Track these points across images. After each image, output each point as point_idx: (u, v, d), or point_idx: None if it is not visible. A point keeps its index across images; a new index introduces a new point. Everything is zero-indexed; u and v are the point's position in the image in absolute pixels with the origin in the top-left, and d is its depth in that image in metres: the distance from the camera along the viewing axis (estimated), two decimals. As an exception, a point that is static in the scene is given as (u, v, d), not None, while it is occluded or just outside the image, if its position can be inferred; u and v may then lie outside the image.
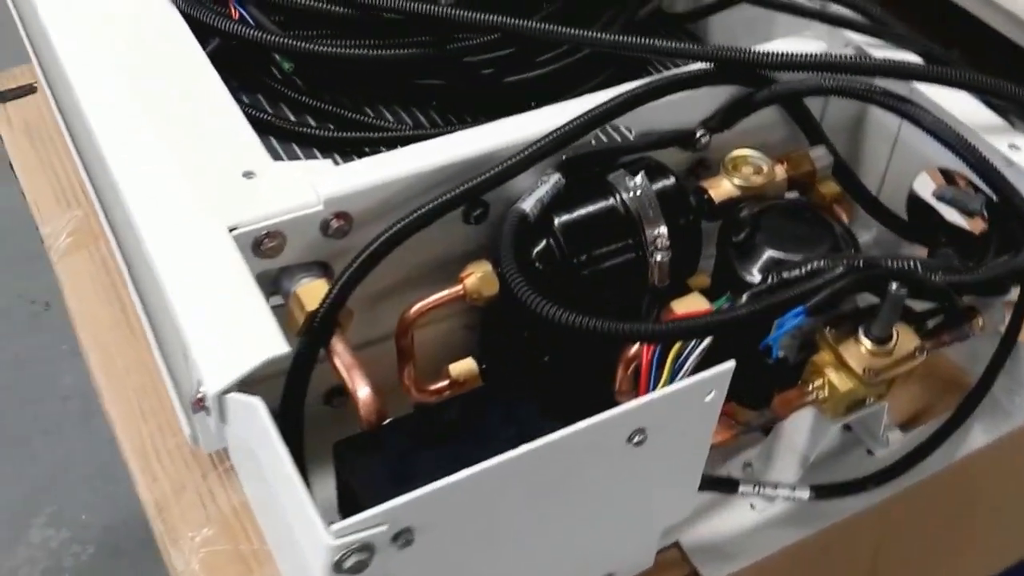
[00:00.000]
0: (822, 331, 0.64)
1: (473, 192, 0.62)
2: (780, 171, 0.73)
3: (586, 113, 0.65)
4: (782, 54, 0.69)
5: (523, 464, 0.50)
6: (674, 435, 0.55)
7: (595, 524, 0.58)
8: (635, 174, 0.66)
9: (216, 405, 0.52)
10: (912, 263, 0.62)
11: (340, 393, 0.70)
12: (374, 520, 0.46)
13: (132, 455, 0.80)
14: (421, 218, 0.61)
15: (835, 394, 0.63)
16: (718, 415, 0.56)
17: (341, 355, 0.60)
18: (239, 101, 0.77)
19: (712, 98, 0.73)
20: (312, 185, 0.62)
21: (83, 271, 0.89)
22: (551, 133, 0.64)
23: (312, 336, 0.59)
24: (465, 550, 0.52)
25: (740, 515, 0.69)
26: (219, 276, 0.57)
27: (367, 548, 0.46)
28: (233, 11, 0.77)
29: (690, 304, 0.65)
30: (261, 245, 0.61)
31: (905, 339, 0.63)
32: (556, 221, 0.64)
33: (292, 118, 0.77)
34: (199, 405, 0.52)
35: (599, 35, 0.70)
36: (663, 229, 0.65)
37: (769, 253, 0.65)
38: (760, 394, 0.60)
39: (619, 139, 0.70)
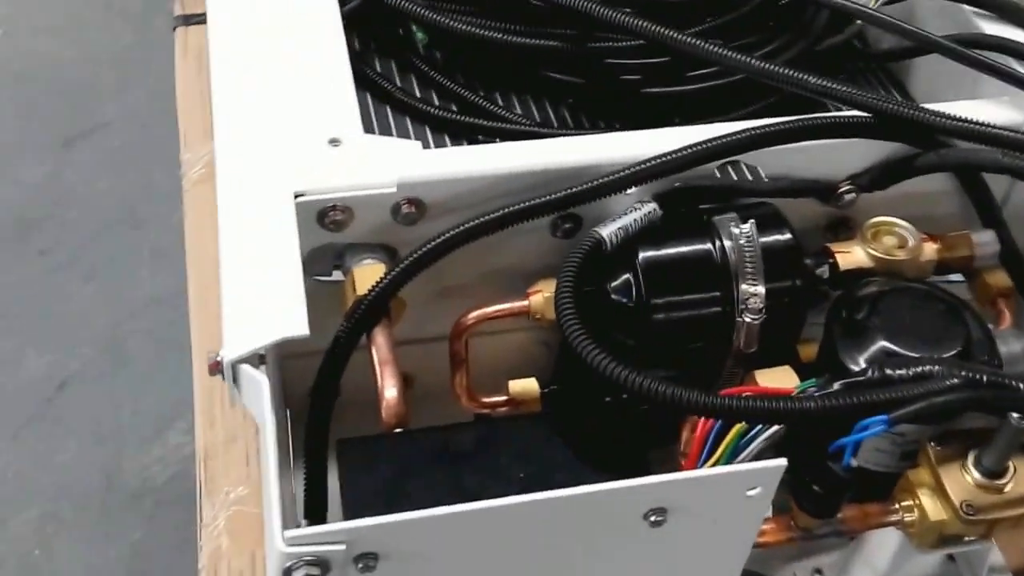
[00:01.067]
0: (926, 444, 0.54)
1: (552, 206, 0.57)
2: (929, 249, 0.63)
3: (706, 142, 0.58)
4: (952, 117, 0.59)
5: (515, 515, 0.44)
6: (704, 524, 0.48)
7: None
8: (745, 221, 0.58)
9: (230, 372, 0.50)
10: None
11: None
12: (332, 537, 0.42)
13: (200, 395, 0.80)
14: (494, 221, 0.56)
15: (924, 522, 0.53)
16: (765, 515, 0.49)
17: (379, 348, 0.56)
18: (369, 65, 0.75)
19: (869, 152, 0.64)
20: (391, 166, 0.58)
21: (207, 204, 0.90)
22: (658, 157, 0.57)
23: (354, 322, 0.56)
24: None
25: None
26: (269, 243, 0.54)
27: (321, 564, 0.43)
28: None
29: (776, 378, 0.57)
30: (326, 217, 0.58)
31: (1022, 479, 0.53)
32: (640, 255, 0.57)
33: (417, 93, 0.74)
34: (215, 368, 0.50)
35: (742, 58, 0.62)
36: (760, 289, 0.57)
37: (881, 343, 0.56)
38: (823, 503, 0.51)
39: (747, 177, 0.63)
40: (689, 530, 0.48)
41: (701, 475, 0.46)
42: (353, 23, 0.71)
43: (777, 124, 0.60)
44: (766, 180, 0.62)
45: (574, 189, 0.57)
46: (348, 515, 0.46)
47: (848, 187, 0.64)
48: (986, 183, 0.65)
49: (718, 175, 0.61)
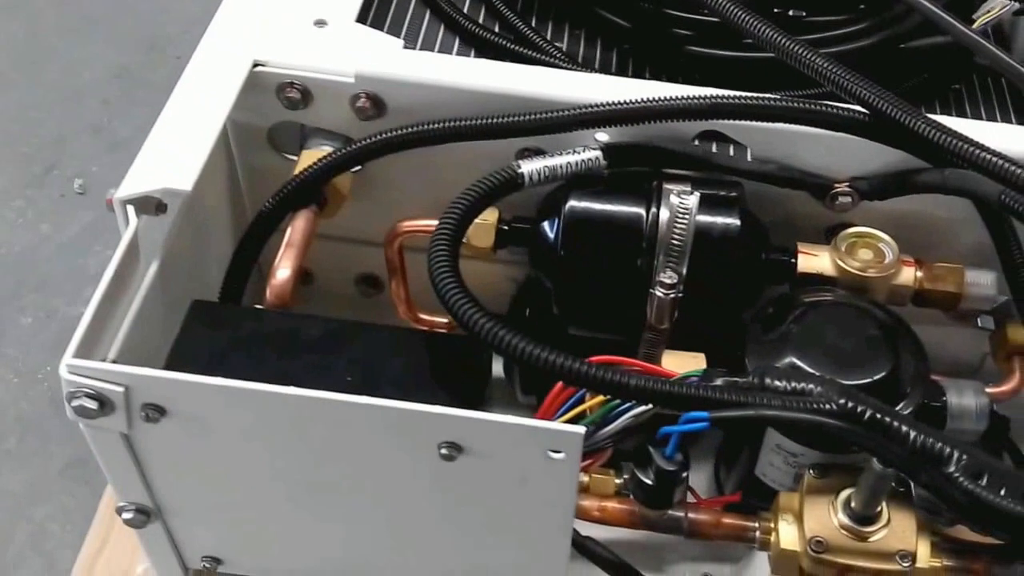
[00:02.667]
0: (805, 470, 0.50)
1: (487, 131, 0.55)
2: (907, 275, 0.57)
3: (661, 99, 0.54)
4: (954, 135, 0.52)
5: (298, 407, 0.44)
6: (504, 474, 0.46)
7: (409, 525, 0.51)
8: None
9: (120, 209, 0.52)
10: (952, 451, 0.45)
11: (369, 282, 0.68)
12: (110, 376, 0.44)
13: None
14: (430, 134, 0.55)
15: (775, 547, 0.49)
16: (574, 479, 0.46)
17: (293, 229, 0.57)
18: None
19: (875, 156, 0.57)
20: (362, 57, 0.58)
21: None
22: (609, 104, 0.54)
23: (279, 199, 0.57)
24: (223, 465, 0.49)
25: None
26: (205, 102, 0.56)
27: (101, 400, 0.44)
28: None
29: (683, 362, 0.54)
30: (283, 92, 0.58)
31: (896, 534, 0.47)
32: (568, 203, 0.55)
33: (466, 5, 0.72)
34: (109, 203, 0.53)
35: (759, 26, 0.56)
36: (680, 266, 0.53)
37: (787, 353, 0.51)
38: (650, 492, 0.48)
39: (726, 153, 0.58)
40: (487, 476, 0.46)
41: (494, 419, 0.44)
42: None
43: (753, 98, 0.55)
44: (749, 160, 0.58)
45: (516, 118, 0.55)
46: (166, 366, 0.47)
47: (845, 189, 0.58)
48: (1008, 219, 0.57)
49: (696, 143, 0.57)
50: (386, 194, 0.63)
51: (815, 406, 0.45)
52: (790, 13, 0.68)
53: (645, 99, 0.54)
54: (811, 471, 0.49)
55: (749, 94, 0.55)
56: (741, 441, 0.56)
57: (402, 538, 0.52)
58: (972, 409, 0.53)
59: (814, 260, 0.57)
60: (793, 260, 0.57)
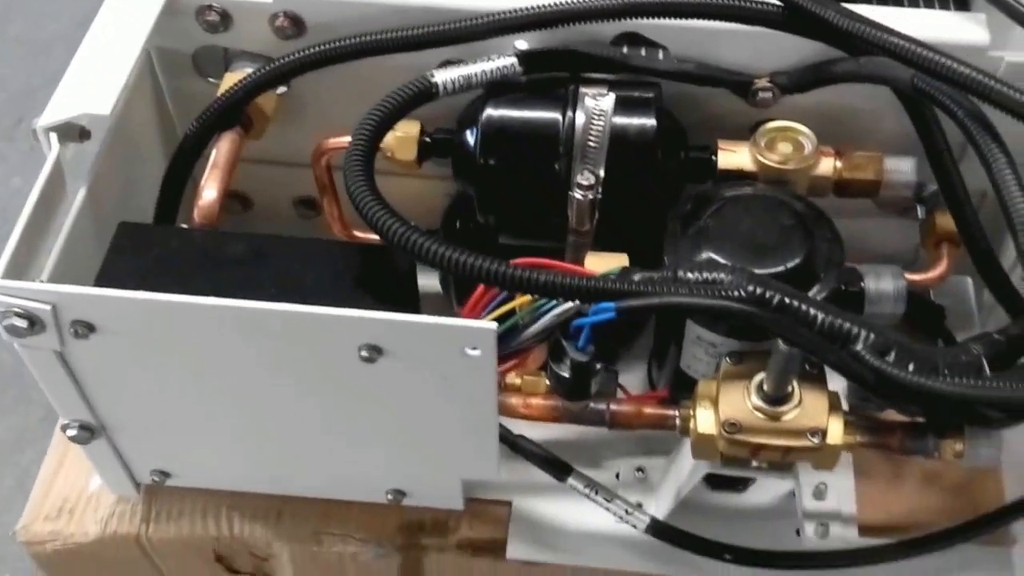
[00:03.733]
0: (726, 357, 0.51)
1: (403, 43, 0.55)
2: (826, 165, 0.58)
3: (571, 3, 0.55)
4: (866, 22, 0.53)
5: (223, 317, 0.46)
6: (425, 374, 0.48)
7: (343, 430, 0.53)
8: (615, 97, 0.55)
9: (44, 137, 0.53)
10: (860, 330, 0.47)
11: (307, 204, 0.69)
12: (38, 295, 0.45)
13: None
14: (349, 48, 0.56)
15: (694, 432, 0.51)
16: (492, 376, 0.48)
17: (217, 151, 0.58)
18: None
19: (793, 49, 0.58)
20: (278, -23, 0.59)
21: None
22: (528, 8, 0.55)
23: (201, 122, 0.58)
24: (156, 380, 0.50)
25: (588, 514, 0.59)
26: (123, 31, 0.56)
27: (31, 319, 0.46)
28: None
29: (606, 262, 0.54)
30: (202, 15, 0.59)
31: (808, 413, 0.49)
32: (485, 112, 0.55)
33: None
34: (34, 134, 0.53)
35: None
36: (596, 168, 0.54)
37: (703, 246, 0.52)
38: (565, 383, 0.49)
39: (639, 53, 0.58)
40: (409, 376, 0.48)
41: (407, 319, 0.45)
42: None
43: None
44: (666, 60, 0.58)
45: (430, 29, 0.55)
46: (95, 285, 0.48)
47: (765, 84, 0.59)
48: (928, 106, 0.58)
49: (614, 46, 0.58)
50: (315, 114, 0.64)
51: (724, 294, 0.47)
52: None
53: (559, 2, 0.55)
54: (728, 359, 0.51)
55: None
56: (666, 337, 0.58)
57: (336, 443, 0.54)
58: (890, 293, 0.54)
59: (734, 156, 0.58)
60: (713, 157, 0.58)
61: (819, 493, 0.60)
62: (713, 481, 0.60)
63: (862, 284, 0.55)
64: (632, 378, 0.64)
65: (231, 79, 0.59)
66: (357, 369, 0.47)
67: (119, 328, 0.47)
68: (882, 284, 0.55)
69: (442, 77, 0.54)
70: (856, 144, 0.60)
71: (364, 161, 0.49)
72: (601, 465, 0.62)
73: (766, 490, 0.62)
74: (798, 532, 0.58)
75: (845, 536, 0.58)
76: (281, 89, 0.62)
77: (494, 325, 0.45)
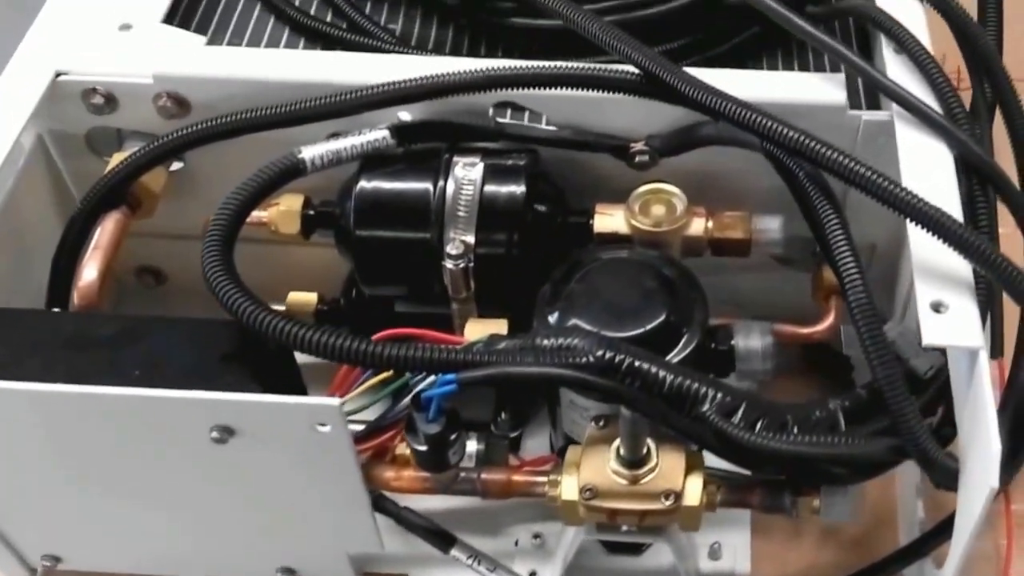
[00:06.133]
0: (592, 422, 0.52)
1: (279, 120, 0.56)
2: (697, 225, 0.58)
3: (447, 75, 0.56)
4: (708, 89, 0.54)
5: (80, 404, 0.47)
6: (282, 451, 0.48)
7: (217, 510, 0.53)
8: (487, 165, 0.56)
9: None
10: (708, 390, 0.47)
11: (148, 272, 0.70)
12: None
13: None
14: (222, 128, 0.57)
15: (557, 500, 0.51)
16: (348, 450, 0.48)
17: (101, 232, 0.59)
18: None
19: (667, 114, 0.59)
20: (164, 57, 0.60)
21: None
22: (394, 83, 0.56)
23: (84, 203, 0.59)
24: (29, 464, 0.51)
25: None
26: (7, 115, 0.58)
27: None
28: None
29: (484, 328, 0.55)
30: (89, 99, 0.60)
31: (664, 475, 0.49)
32: (358, 184, 0.56)
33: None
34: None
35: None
36: (467, 236, 0.55)
37: (568, 312, 0.53)
38: (421, 456, 0.50)
39: (519, 121, 0.60)
40: (266, 454, 0.48)
41: (250, 399, 0.46)
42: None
43: (529, 67, 0.56)
44: (543, 128, 0.59)
45: (302, 105, 0.56)
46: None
47: (641, 147, 0.59)
48: (788, 165, 0.58)
49: (491, 113, 0.59)
50: (213, 187, 0.64)
51: (574, 360, 0.47)
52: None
53: (424, 77, 0.56)
54: (593, 423, 0.51)
55: (528, 63, 0.57)
56: (551, 402, 0.58)
57: (213, 522, 0.54)
58: (758, 350, 0.55)
59: (610, 220, 0.59)
60: (591, 221, 0.59)
61: (714, 553, 0.61)
62: (609, 545, 0.61)
63: (731, 342, 0.55)
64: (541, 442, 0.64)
65: (118, 158, 0.60)
66: (212, 450, 0.47)
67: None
68: (751, 341, 0.55)
69: (310, 153, 0.55)
70: (738, 202, 0.61)
71: (221, 242, 0.50)
72: (501, 532, 0.62)
73: (664, 553, 0.62)
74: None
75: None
76: (177, 165, 0.63)
77: (338, 401, 0.46)
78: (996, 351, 0.55)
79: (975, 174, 0.54)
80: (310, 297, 0.64)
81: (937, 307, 0.48)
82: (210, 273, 0.49)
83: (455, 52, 0.69)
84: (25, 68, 0.60)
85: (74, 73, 0.60)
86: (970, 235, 0.47)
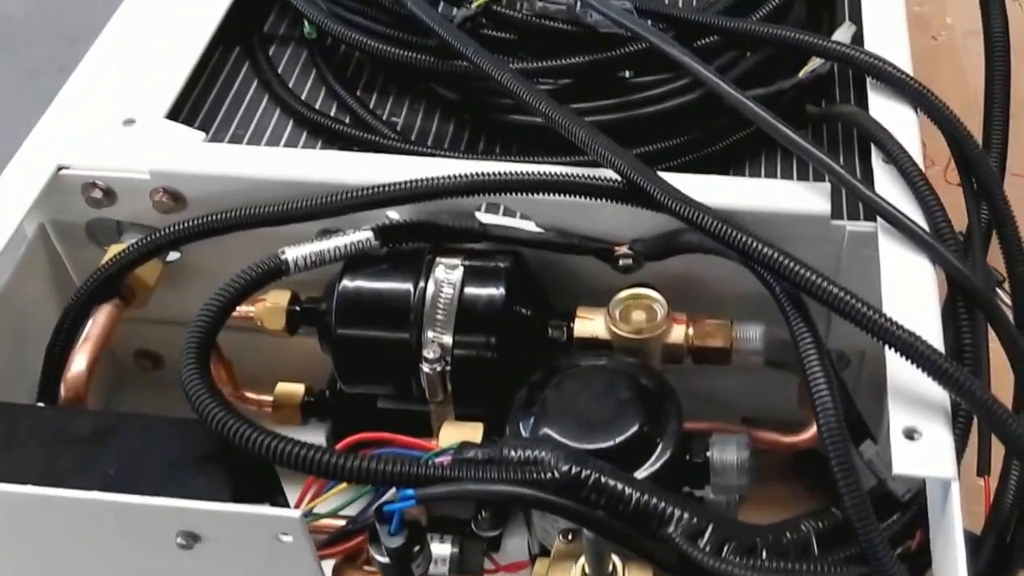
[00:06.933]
0: (559, 535, 0.51)
1: (268, 219, 0.58)
2: (677, 332, 0.58)
3: (428, 180, 0.57)
4: (683, 200, 0.54)
5: (43, 505, 0.47)
6: (246, 558, 0.48)
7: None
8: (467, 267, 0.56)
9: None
10: (674, 511, 0.47)
11: (147, 356, 0.71)
12: None
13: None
14: (212, 225, 0.58)
15: (524, 612, 0.51)
16: (311, 560, 0.48)
17: (93, 324, 0.60)
18: (262, 50, 0.76)
19: (651, 219, 0.59)
20: (164, 153, 0.62)
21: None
22: (378, 187, 0.57)
23: (78, 295, 0.60)
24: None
25: None
26: (8, 206, 0.60)
27: None
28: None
29: (459, 433, 0.55)
30: (88, 192, 0.62)
31: (629, 596, 0.48)
32: (340, 284, 0.57)
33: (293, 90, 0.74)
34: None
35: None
36: (444, 339, 0.55)
37: (540, 422, 0.53)
38: (384, 567, 0.50)
39: (501, 224, 0.60)
40: (230, 561, 0.48)
41: (213, 508, 0.46)
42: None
43: (509, 174, 0.57)
44: (528, 230, 0.60)
45: (289, 206, 0.58)
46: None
47: (625, 251, 0.60)
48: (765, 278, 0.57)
49: (483, 208, 0.60)
50: (207, 278, 0.66)
51: (539, 474, 0.47)
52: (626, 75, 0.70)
53: (409, 181, 0.57)
54: (561, 536, 0.51)
55: (513, 167, 0.58)
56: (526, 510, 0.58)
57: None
58: (733, 464, 0.54)
59: (590, 324, 0.59)
60: (569, 326, 0.59)
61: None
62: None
63: (707, 454, 0.54)
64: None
65: (115, 250, 0.61)
66: (178, 555, 0.48)
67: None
68: (726, 455, 0.54)
69: (293, 255, 0.56)
70: (722, 307, 0.60)
71: (198, 347, 0.51)
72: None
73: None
74: None
75: None
76: (174, 255, 0.65)
77: (298, 513, 0.46)
78: (983, 468, 0.54)
79: (960, 294, 0.53)
80: (297, 388, 0.65)
81: (910, 434, 0.48)
82: (186, 379, 0.50)
83: (455, 146, 0.71)
84: (30, 159, 0.63)
85: (75, 167, 0.62)
86: (950, 366, 0.47)
